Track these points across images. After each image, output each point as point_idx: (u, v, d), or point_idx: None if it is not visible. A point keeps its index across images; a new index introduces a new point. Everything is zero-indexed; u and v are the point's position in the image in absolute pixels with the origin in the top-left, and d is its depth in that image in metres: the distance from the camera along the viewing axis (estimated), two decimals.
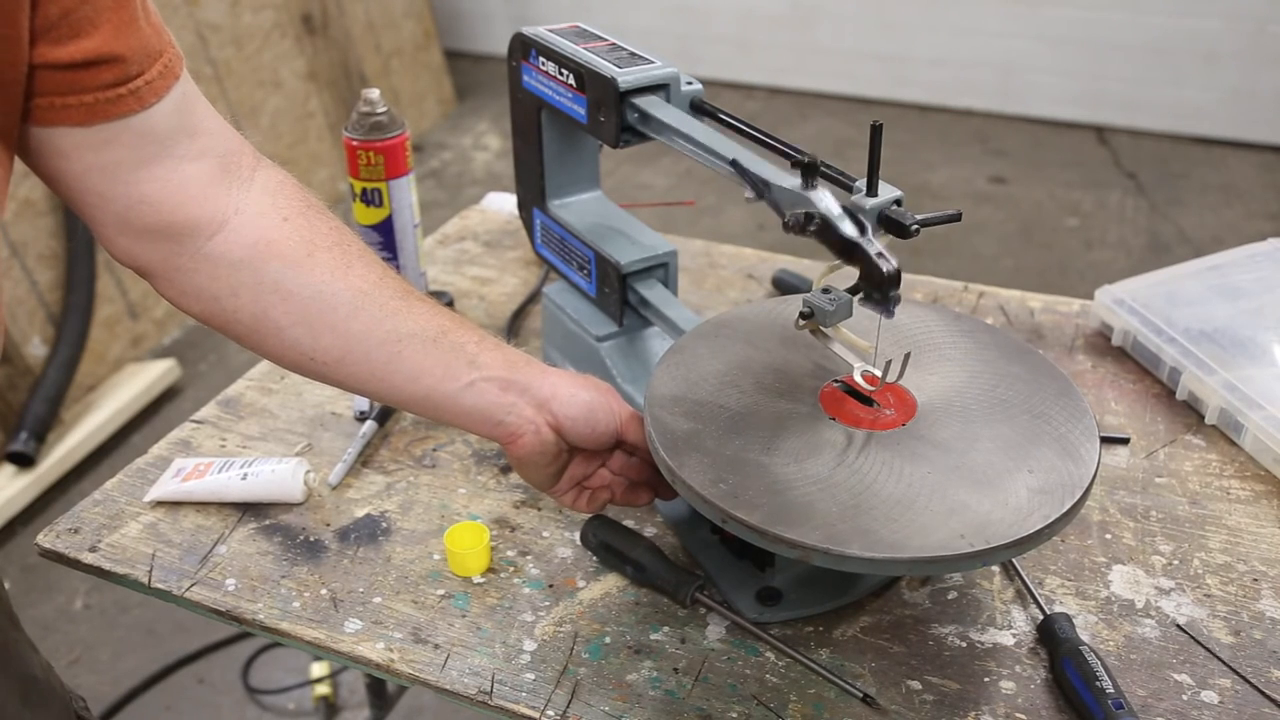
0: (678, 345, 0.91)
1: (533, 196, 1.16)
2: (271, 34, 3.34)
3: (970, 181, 3.69)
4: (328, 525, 0.98)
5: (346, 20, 3.70)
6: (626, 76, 0.94)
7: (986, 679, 0.81)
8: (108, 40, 0.64)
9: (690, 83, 0.97)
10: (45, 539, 0.96)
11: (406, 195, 1.21)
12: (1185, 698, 0.79)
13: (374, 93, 1.17)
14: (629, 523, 0.95)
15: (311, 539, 0.96)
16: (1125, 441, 1.05)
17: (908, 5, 4.06)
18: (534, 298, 1.32)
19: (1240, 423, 1.04)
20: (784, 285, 1.33)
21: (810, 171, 0.75)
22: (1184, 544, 0.93)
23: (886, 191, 0.75)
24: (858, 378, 0.82)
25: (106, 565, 0.93)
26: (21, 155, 0.68)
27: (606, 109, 0.96)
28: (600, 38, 1.02)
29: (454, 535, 0.92)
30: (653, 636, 0.85)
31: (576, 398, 0.81)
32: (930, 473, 0.75)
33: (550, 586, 0.90)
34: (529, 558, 0.93)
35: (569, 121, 1.02)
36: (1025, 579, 0.89)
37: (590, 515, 0.94)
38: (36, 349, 2.47)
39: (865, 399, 0.83)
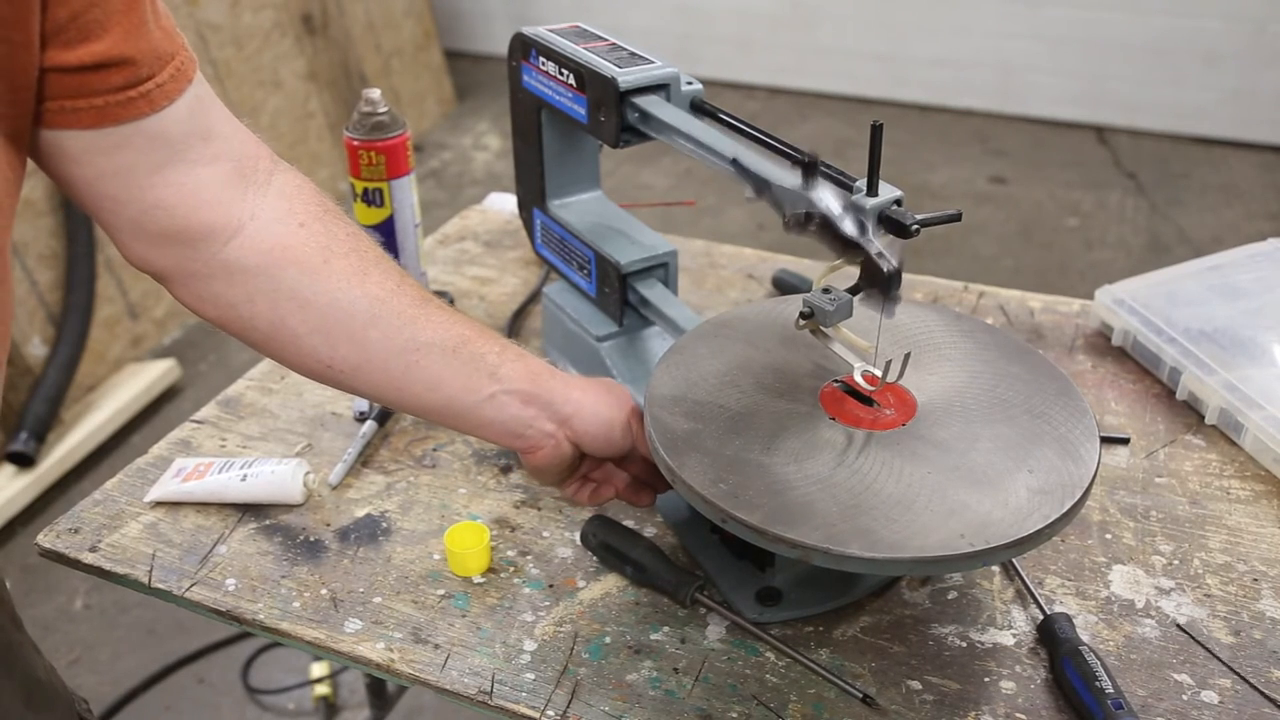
0: (678, 345, 0.91)
1: (533, 196, 1.16)
2: (271, 34, 3.34)
3: (970, 181, 3.69)
4: (328, 525, 0.98)
5: (346, 20, 3.71)
6: (626, 76, 0.94)
7: (986, 679, 0.81)
8: (118, 43, 0.64)
9: (690, 83, 0.97)
10: (45, 539, 0.96)
11: (407, 195, 1.21)
12: (1185, 698, 0.79)
13: (375, 93, 1.17)
14: (629, 523, 0.95)
15: (311, 539, 0.96)
16: (1125, 441, 1.05)
17: (908, 5, 4.06)
18: (534, 298, 1.32)
19: (1240, 423, 1.04)
20: (784, 285, 1.33)
21: (810, 170, 0.75)
22: (1184, 544, 0.93)
23: (886, 191, 0.75)
24: (858, 378, 0.82)
25: (106, 565, 0.93)
26: (35, 160, 0.68)
27: (606, 109, 0.96)
28: (600, 38, 1.02)
29: (454, 535, 0.92)
30: (653, 636, 0.85)
31: (599, 415, 0.82)
32: (930, 473, 0.75)
33: (550, 586, 0.90)
34: (529, 558, 0.93)
35: (569, 121, 1.02)
36: (1025, 579, 0.89)
37: (591, 516, 0.94)
38: (36, 349, 2.47)
39: (865, 399, 0.83)
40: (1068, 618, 0.84)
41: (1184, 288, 1.21)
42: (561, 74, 1.00)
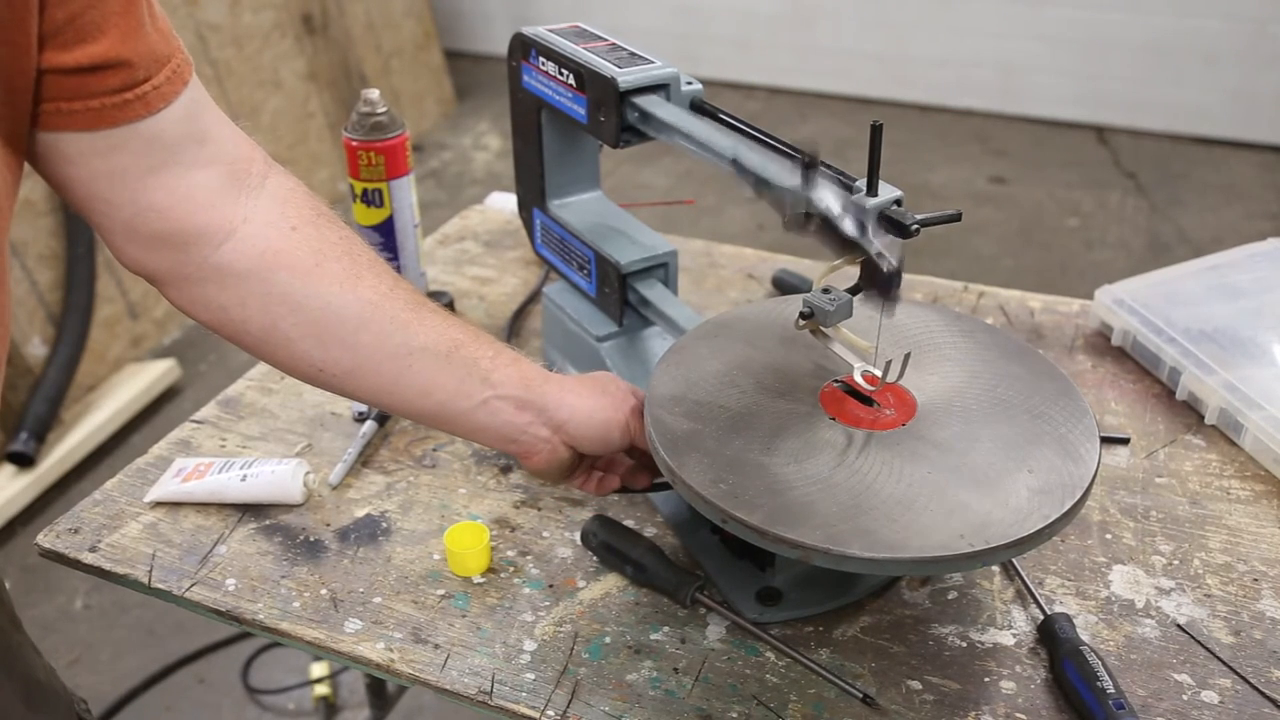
0: (678, 345, 0.91)
1: (533, 196, 1.16)
2: (271, 34, 3.34)
3: (970, 181, 3.69)
4: (328, 525, 0.98)
5: (346, 20, 3.71)
6: (626, 76, 0.94)
7: (987, 679, 0.81)
8: (114, 45, 0.64)
9: (690, 83, 0.97)
10: (45, 539, 0.96)
11: (407, 195, 1.21)
12: (1185, 698, 0.79)
13: (374, 93, 1.17)
14: (629, 523, 0.95)
15: (311, 539, 0.96)
16: (1125, 441, 1.05)
17: (908, 5, 4.06)
18: (534, 298, 1.32)
19: (1240, 423, 1.04)
20: (784, 285, 1.33)
21: (810, 168, 0.75)
22: (1184, 544, 0.93)
23: (886, 191, 0.75)
24: (858, 378, 0.82)
25: (106, 565, 0.93)
26: (30, 161, 0.68)
27: (606, 109, 0.96)
28: (600, 38, 1.02)
29: (454, 535, 0.92)
30: (653, 636, 0.85)
31: (594, 419, 0.82)
32: (930, 473, 0.75)
33: (550, 586, 0.90)
34: (529, 558, 0.93)
35: (569, 121, 1.02)
36: (1025, 579, 0.89)
37: (591, 516, 0.94)
38: (36, 349, 2.47)
39: (865, 399, 0.83)
40: (1068, 618, 0.84)
41: (1184, 288, 1.21)
42: (561, 74, 1.00)
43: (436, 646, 0.85)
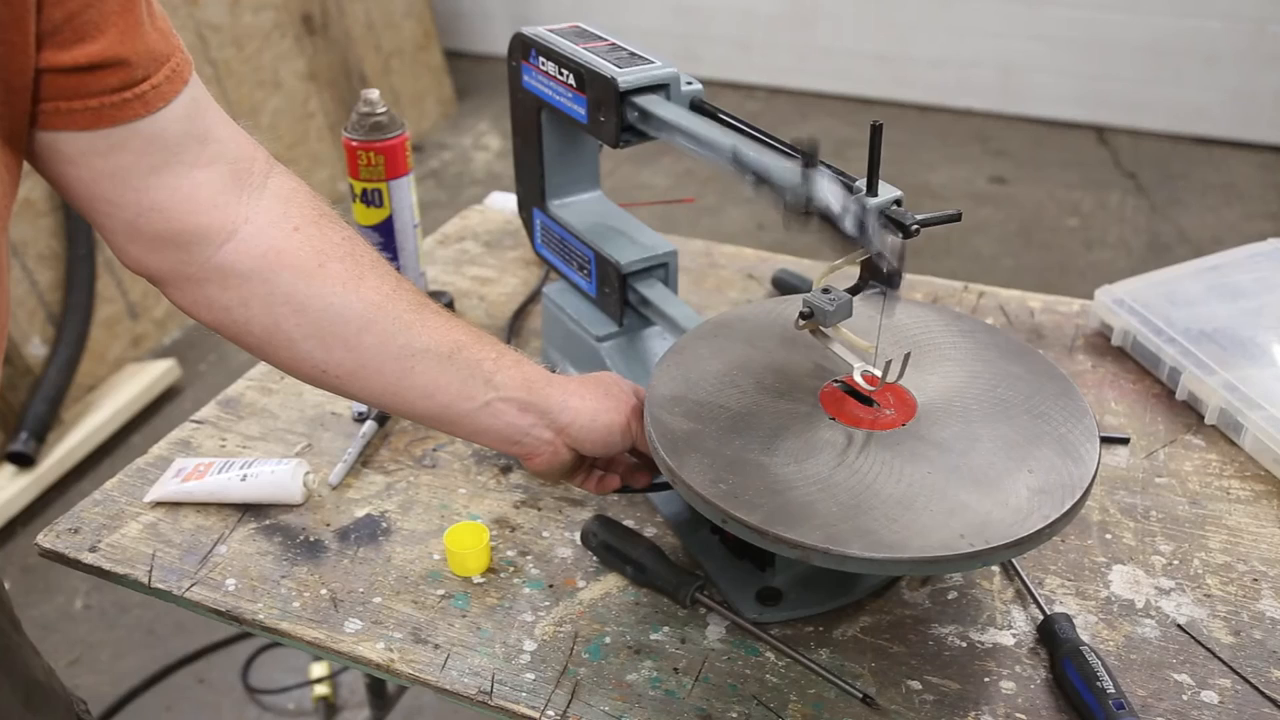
0: (678, 345, 0.91)
1: (533, 196, 1.16)
2: (271, 34, 3.34)
3: (970, 181, 3.69)
4: (328, 525, 0.98)
5: (346, 20, 3.70)
6: (626, 76, 0.94)
7: (986, 679, 0.81)
8: (113, 44, 0.63)
9: (690, 83, 0.97)
10: (45, 539, 0.96)
11: (406, 195, 1.21)
12: (1185, 698, 0.79)
13: (373, 93, 1.17)
14: (629, 523, 0.95)
15: (311, 539, 0.96)
16: (1125, 441, 1.05)
17: (908, 5, 4.06)
18: (534, 298, 1.32)
19: (1240, 423, 1.04)
20: (784, 285, 1.33)
21: (811, 161, 0.75)
22: (1184, 544, 0.93)
23: (886, 191, 0.75)
24: (858, 378, 0.82)
25: (106, 565, 0.93)
26: (31, 161, 0.67)
27: (606, 109, 0.96)
28: (600, 38, 1.02)
29: (454, 535, 0.92)
30: (653, 636, 0.85)
31: (596, 422, 0.82)
32: (930, 473, 0.75)
33: (550, 586, 0.90)
34: (529, 558, 0.93)
35: (569, 121, 1.02)
36: (1025, 579, 0.89)
37: (591, 516, 0.94)
38: (36, 349, 2.47)
39: (865, 399, 0.83)
40: (1068, 618, 0.84)
41: (1184, 288, 1.21)
42: (561, 74, 1.00)
43: (436, 646, 0.85)
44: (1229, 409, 1.05)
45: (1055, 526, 0.71)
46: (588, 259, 1.09)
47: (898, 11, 4.08)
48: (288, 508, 0.99)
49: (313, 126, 3.53)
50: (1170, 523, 0.96)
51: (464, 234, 1.49)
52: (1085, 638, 0.83)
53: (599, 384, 0.85)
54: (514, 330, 1.27)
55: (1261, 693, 0.79)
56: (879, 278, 0.76)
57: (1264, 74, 3.71)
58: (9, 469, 2.32)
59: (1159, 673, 0.81)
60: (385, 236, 1.21)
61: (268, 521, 0.98)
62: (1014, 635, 0.85)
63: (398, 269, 0.83)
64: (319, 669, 1.90)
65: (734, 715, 0.78)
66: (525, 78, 1.07)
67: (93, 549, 0.95)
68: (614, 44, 1.01)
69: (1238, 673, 0.81)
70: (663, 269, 1.07)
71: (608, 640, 0.85)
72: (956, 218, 0.76)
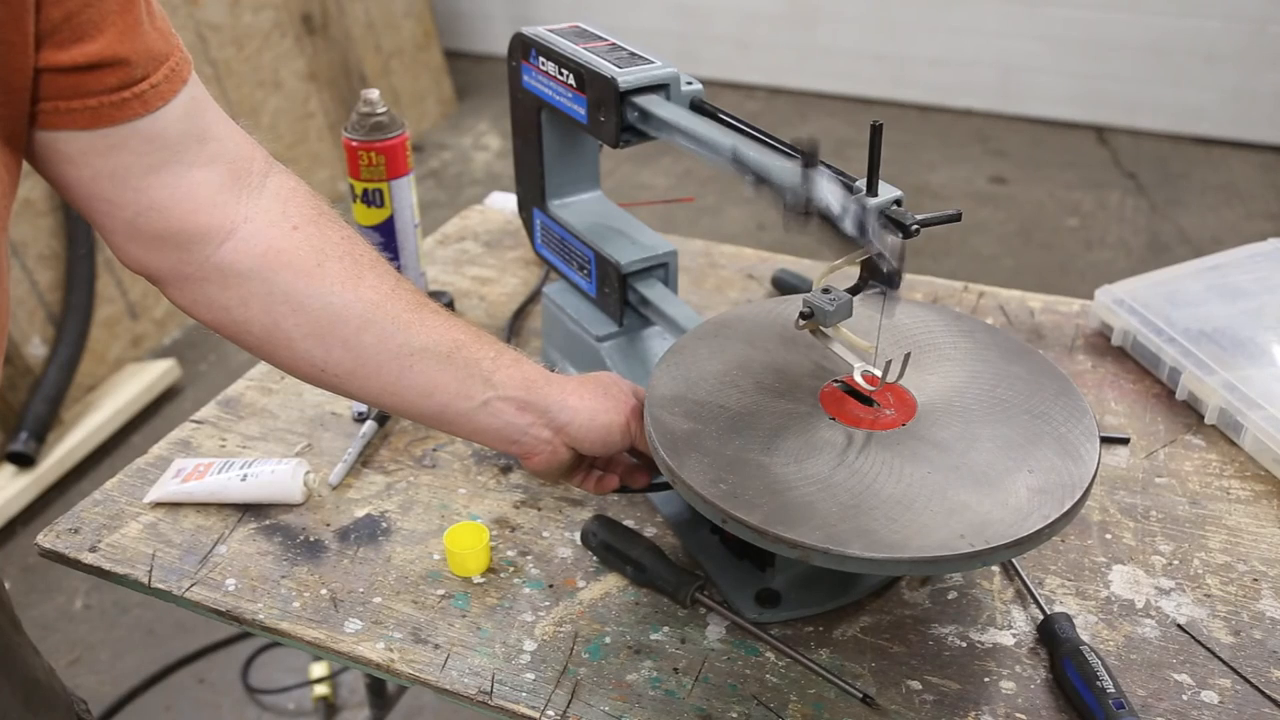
0: (678, 345, 0.91)
1: (533, 196, 1.16)
2: (271, 34, 3.34)
3: (970, 181, 3.69)
4: (328, 525, 0.98)
5: (346, 20, 3.71)
6: (626, 76, 0.94)
7: (986, 679, 0.81)
8: (112, 43, 0.63)
9: (690, 83, 0.97)
10: (45, 539, 0.96)
11: (407, 195, 1.21)
12: (1185, 698, 0.79)
13: (374, 93, 1.17)
14: (629, 523, 0.95)
15: (311, 539, 0.96)
16: (1125, 441, 1.05)
17: (908, 5, 4.06)
18: (534, 298, 1.32)
19: (1240, 423, 1.04)
20: (784, 285, 1.33)
21: (811, 160, 0.75)
22: (1184, 544, 0.93)
23: (886, 191, 0.75)
24: (858, 378, 0.82)
25: (106, 565, 0.93)
26: (30, 161, 0.67)
27: (606, 109, 0.96)
28: (600, 38, 1.02)
29: (454, 535, 0.92)
30: (653, 636, 0.85)
31: (595, 421, 0.82)
32: (930, 473, 0.75)
33: (550, 586, 0.90)
34: (529, 558, 0.93)
35: (569, 121, 1.02)
36: (1025, 579, 0.89)
37: (591, 516, 0.94)
38: (36, 349, 2.47)
39: (865, 399, 0.83)
40: (1068, 618, 0.84)
41: (1184, 288, 1.21)
42: (561, 74, 1.00)
43: (436, 646, 0.85)
44: (1229, 409, 1.05)
45: (1055, 526, 0.71)
46: (588, 259, 1.09)
47: (898, 11, 4.08)
48: (288, 508, 0.99)
49: (313, 126, 3.53)
50: (1170, 523, 0.96)
51: (464, 234, 1.49)
52: (1085, 638, 0.83)
53: (598, 384, 0.85)
54: (514, 330, 1.27)
55: (1262, 692, 0.79)
56: (879, 278, 0.76)
57: (1264, 74, 3.71)
58: (9, 469, 2.32)
59: (1159, 673, 0.81)
60: (386, 236, 1.21)
61: (268, 521, 0.98)
62: (1014, 635, 0.85)
63: (398, 269, 0.83)
64: (319, 669, 1.90)
65: (734, 715, 0.78)
66: (525, 78, 1.07)
67: (93, 549, 0.95)
68: (614, 44, 1.01)
69: (1238, 673, 0.81)
70: (663, 269, 1.07)
71: (608, 640, 0.85)
72: (956, 218, 0.76)
